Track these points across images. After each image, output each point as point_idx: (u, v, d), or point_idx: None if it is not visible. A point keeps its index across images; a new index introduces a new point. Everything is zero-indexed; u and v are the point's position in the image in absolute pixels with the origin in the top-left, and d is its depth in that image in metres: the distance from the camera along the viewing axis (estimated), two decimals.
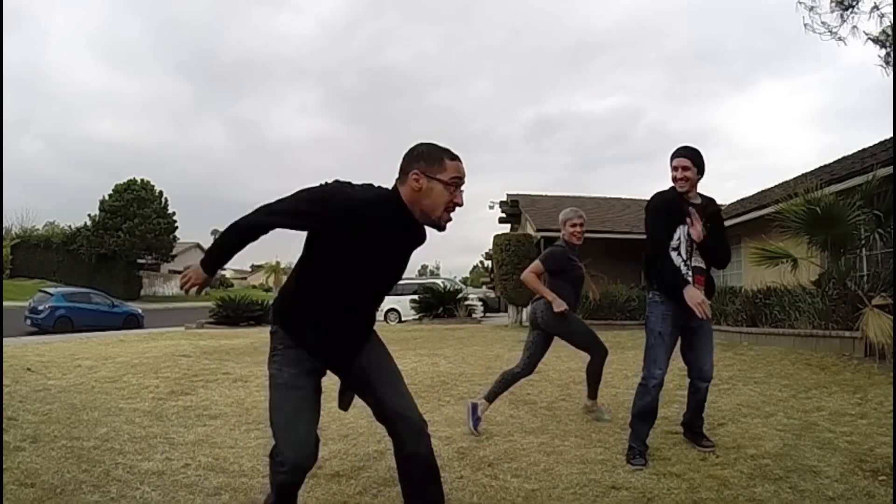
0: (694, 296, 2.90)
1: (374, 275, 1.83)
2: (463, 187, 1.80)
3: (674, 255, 3.06)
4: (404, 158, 1.81)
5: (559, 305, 3.73)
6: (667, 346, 3.07)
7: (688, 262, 3.05)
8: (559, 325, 3.83)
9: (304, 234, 1.86)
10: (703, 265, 3.08)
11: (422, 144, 1.81)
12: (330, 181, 1.80)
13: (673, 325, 3.07)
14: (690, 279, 3.01)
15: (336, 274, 1.79)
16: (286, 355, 1.81)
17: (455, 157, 1.78)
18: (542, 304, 3.88)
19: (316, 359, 1.84)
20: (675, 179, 3.08)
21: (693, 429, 3.32)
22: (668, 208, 3.11)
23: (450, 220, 1.81)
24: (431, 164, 1.75)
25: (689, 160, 3.04)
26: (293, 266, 1.94)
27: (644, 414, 3.09)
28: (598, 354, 3.97)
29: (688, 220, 3.05)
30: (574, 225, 3.93)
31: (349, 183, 1.79)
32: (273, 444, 1.79)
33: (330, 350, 1.87)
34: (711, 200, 3.22)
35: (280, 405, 1.77)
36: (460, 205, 1.79)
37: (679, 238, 3.06)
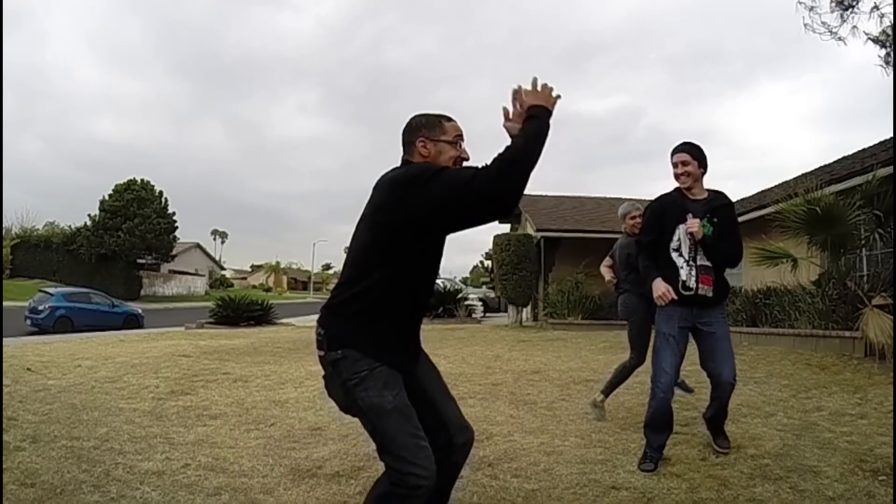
0: (656, 287, 2.94)
1: (439, 252, 1.89)
2: (464, 144, 1.90)
3: (675, 255, 3.02)
4: (405, 133, 1.90)
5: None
6: (673, 347, 3.01)
7: (691, 262, 2.99)
8: (632, 314, 4.13)
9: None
10: (710, 264, 3.00)
11: (416, 116, 1.91)
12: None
13: (680, 327, 3.02)
14: (695, 279, 2.96)
15: (421, 263, 1.81)
16: (377, 377, 1.75)
17: (451, 119, 1.90)
18: (626, 295, 4.24)
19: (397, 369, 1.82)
20: (676, 176, 3.04)
21: (714, 424, 3.24)
22: (661, 212, 3.10)
23: None
24: (433, 129, 1.86)
25: (689, 154, 3.00)
26: (345, 282, 1.81)
27: (655, 423, 3.02)
28: (637, 357, 4.05)
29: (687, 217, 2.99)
30: (633, 217, 4.12)
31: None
32: (394, 471, 1.72)
33: (411, 352, 1.89)
34: (720, 194, 3.13)
35: (399, 431, 1.73)
36: (467, 159, 1.89)
37: (679, 238, 3.01)
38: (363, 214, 1.84)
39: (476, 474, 2.88)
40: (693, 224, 2.94)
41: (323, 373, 1.88)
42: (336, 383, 1.82)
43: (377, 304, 1.78)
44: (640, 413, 4.08)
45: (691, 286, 2.97)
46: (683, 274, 2.99)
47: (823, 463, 2.93)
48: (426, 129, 1.86)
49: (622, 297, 4.25)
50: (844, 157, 10.24)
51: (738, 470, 2.88)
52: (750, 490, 2.62)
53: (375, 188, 1.82)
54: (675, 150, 3.05)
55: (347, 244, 2.00)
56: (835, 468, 2.85)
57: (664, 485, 2.72)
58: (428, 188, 1.65)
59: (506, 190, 1.60)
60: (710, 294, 2.99)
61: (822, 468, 2.86)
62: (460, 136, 1.89)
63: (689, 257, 3.00)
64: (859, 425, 3.63)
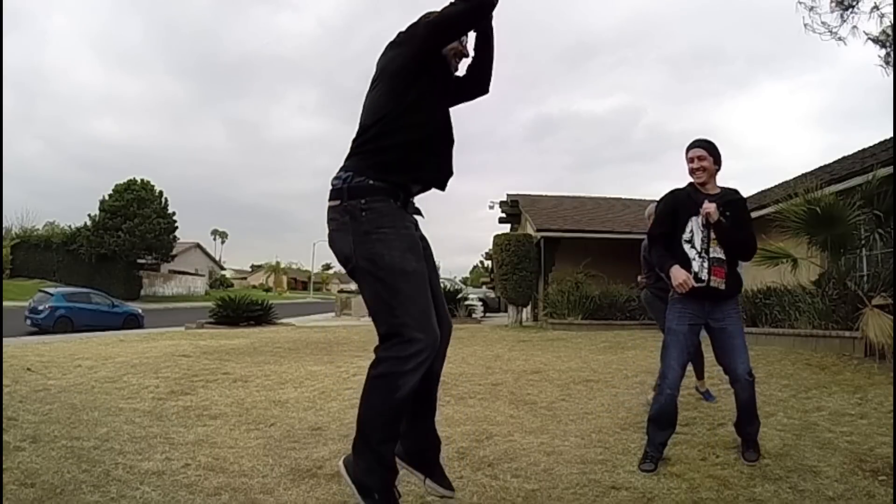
0: (675, 275, 2.93)
1: (448, 87, 2.04)
2: (466, 41, 2.05)
3: (687, 247, 3.02)
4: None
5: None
6: (681, 344, 3.01)
7: (703, 254, 2.98)
8: (651, 307, 4.47)
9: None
10: (723, 256, 3.00)
11: (429, 11, 2.04)
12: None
13: (690, 324, 3.02)
14: (707, 270, 2.96)
15: (431, 92, 1.92)
16: (402, 239, 1.78)
17: None
18: (644, 291, 4.64)
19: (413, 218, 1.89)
20: (691, 172, 3.07)
21: (741, 433, 3.16)
22: (674, 204, 3.13)
23: (457, 68, 2.06)
24: None
25: (705, 150, 3.04)
26: (372, 129, 1.89)
27: (658, 419, 3.01)
28: None
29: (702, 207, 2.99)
30: None
31: None
32: (396, 337, 1.70)
33: (443, 168, 1.96)
34: (733, 191, 3.16)
35: (416, 295, 1.74)
36: (466, 55, 2.04)
37: (691, 230, 3.03)
38: (373, 79, 1.96)
39: (476, 474, 2.88)
40: (709, 206, 2.95)
41: (330, 224, 1.85)
42: (348, 234, 1.78)
43: (403, 134, 1.83)
44: (640, 413, 4.08)
45: (703, 278, 2.96)
46: (695, 266, 2.98)
47: (823, 463, 2.93)
48: None
49: (643, 293, 4.59)
50: (844, 157, 10.24)
51: (738, 470, 2.88)
52: (750, 490, 2.62)
53: (379, 60, 1.99)
54: (691, 146, 3.09)
55: None
56: (835, 468, 2.85)
57: (664, 485, 2.72)
58: (418, 24, 1.90)
59: (481, 3, 1.86)
60: (723, 287, 2.98)
61: (822, 468, 2.86)
62: (465, 35, 2.05)
63: (702, 249, 3.00)
64: (859, 425, 3.62)
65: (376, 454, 1.79)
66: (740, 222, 3.04)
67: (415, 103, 1.87)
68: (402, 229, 1.78)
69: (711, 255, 2.99)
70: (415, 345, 1.68)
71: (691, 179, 3.11)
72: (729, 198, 3.08)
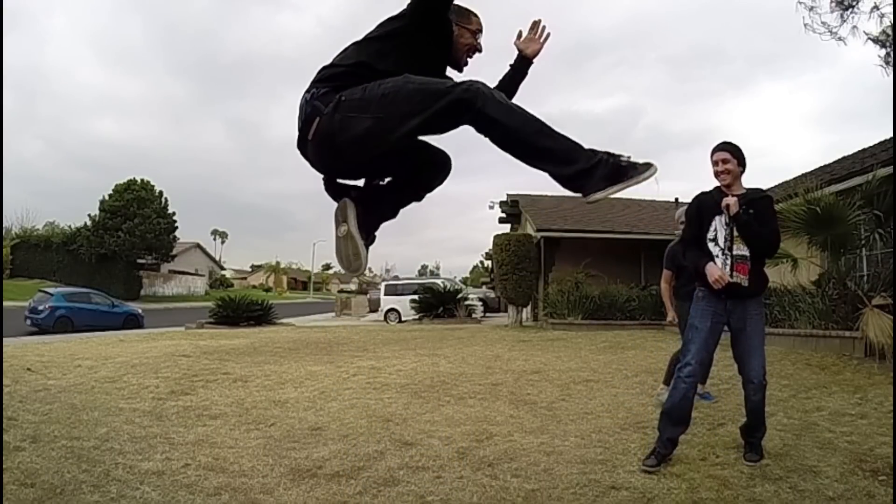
0: (711, 271, 2.99)
1: (433, 64, 2.04)
2: (480, 37, 2.11)
3: (711, 245, 3.09)
4: None
5: (671, 315, 4.56)
6: (702, 340, 3.05)
7: (727, 252, 3.05)
8: (682, 309, 4.38)
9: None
10: (746, 253, 3.04)
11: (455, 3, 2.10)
12: None
13: (713, 322, 3.06)
14: (729, 268, 3.01)
15: (410, 49, 1.92)
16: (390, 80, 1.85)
17: (477, 15, 2.12)
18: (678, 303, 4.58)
19: None
20: (717, 174, 3.13)
21: (746, 436, 3.18)
22: (699, 207, 3.21)
23: (467, 63, 2.12)
24: (461, 16, 2.07)
25: (729, 153, 3.10)
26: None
27: (673, 413, 3.04)
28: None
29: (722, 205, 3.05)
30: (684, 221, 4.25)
31: None
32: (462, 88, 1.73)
33: None
34: (758, 190, 3.23)
35: (434, 81, 1.82)
36: (480, 51, 2.11)
37: (715, 229, 3.10)
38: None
39: (476, 474, 2.88)
40: (729, 199, 3.01)
41: (337, 136, 1.78)
42: (358, 118, 1.74)
43: (358, 76, 1.82)
44: (640, 413, 4.09)
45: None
46: (719, 262, 3.04)
47: (823, 463, 2.93)
48: (455, 14, 2.05)
49: (676, 304, 4.62)
50: (844, 157, 10.23)
51: (738, 470, 2.88)
52: (750, 490, 2.62)
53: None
54: (716, 149, 3.14)
55: None
56: (835, 468, 2.85)
57: (664, 485, 2.72)
58: None
59: None
60: (746, 283, 3.02)
61: (822, 468, 2.86)
62: (480, 31, 2.10)
63: (725, 247, 3.06)
64: (859, 425, 3.62)
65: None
66: (763, 219, 3.09)
67: (386, 51, 1.89)
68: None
69: (735, 253, 3.04)
70: (472, 84, 1.74)
71: (716, 182, 3.15)
72: (753, 196, 3.13)
